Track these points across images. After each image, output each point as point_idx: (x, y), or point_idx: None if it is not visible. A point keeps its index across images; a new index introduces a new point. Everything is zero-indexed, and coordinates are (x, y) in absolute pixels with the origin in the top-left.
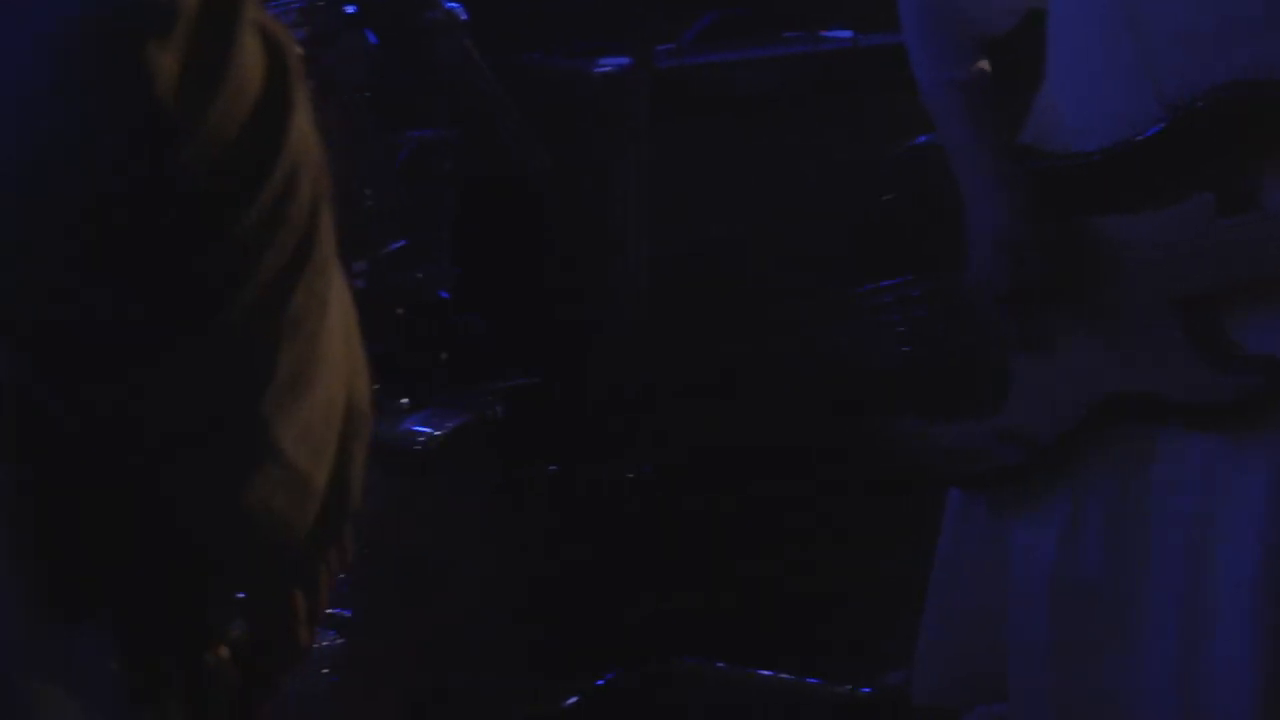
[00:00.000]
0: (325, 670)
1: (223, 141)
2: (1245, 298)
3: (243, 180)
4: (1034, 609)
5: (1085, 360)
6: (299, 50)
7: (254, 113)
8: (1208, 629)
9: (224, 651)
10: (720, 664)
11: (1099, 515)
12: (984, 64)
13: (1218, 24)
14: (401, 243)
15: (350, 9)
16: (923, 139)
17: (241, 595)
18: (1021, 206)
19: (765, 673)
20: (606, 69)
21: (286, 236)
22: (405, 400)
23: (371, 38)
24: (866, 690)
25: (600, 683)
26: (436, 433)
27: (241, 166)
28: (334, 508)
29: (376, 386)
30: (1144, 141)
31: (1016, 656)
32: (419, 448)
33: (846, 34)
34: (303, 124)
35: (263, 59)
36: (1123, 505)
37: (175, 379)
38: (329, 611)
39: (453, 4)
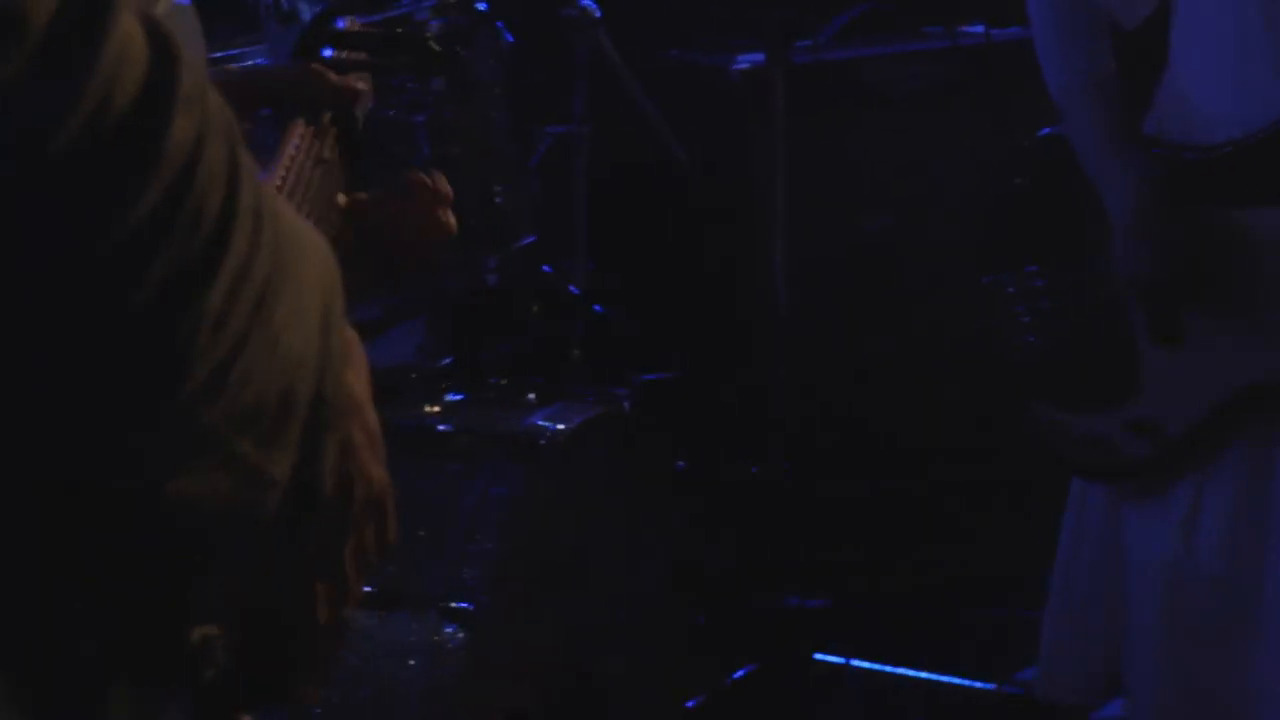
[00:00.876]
0: (448, 667)
1: (98, 138)
2: None
3: (122, 176)
4: (1148, 598)
5: (1218, 353)
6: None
7: (133, 108)
8: None
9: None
10: (854, 661)
11: (1220, 509)
12: (1108, 55)
13: None
14: (532, 238)
15: (483, 5)
16: (1047, 130)
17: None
18: (1155, 198)
19: (898, 670)
20: (744, 65)
21: (184, 234)
22: (532, 395)
23: (507, 35)
24: (993, 687)
25: (736, 677)
26: (563, 427)
27: (121, 161)
28: (306, 494)
29: (502, 381)
30: (1276, 134)
31: (1131, 651)
32: (544, 442)
33: (979, 29)
34: (187, 126)
35: (145, 52)
36: (1246, 500)
37: (81, 370)
38: (453, 606)
39: (588, 1)
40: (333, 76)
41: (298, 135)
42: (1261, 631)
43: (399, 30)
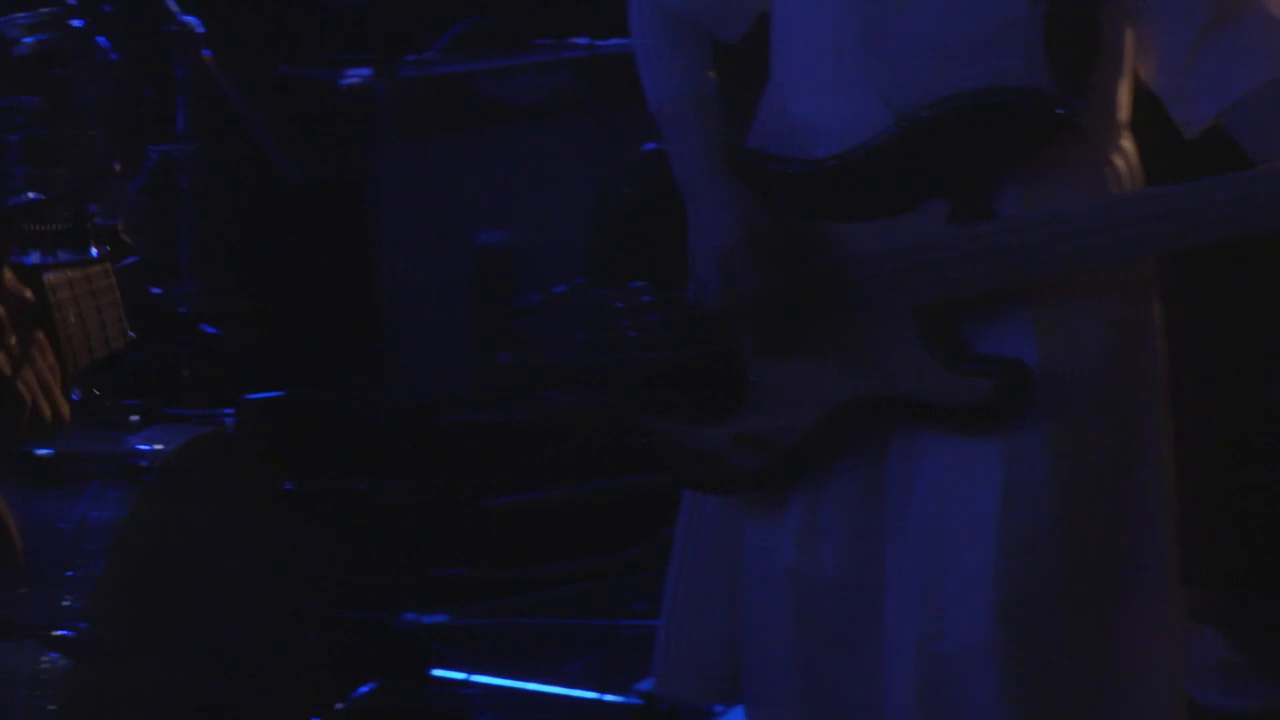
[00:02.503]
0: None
1: None
2: (980, 304)
3: None
4: (773, 610)
5: (822, 366)
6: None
7: None
8: (946, 626)
9: None
10: (474, 676)
11: (835, 518)
12: (712, 73)
13: (953, 39)
14: (133, 259)
15: (78, 23)
16: (652, 145)
17: None
18: (741, 221)
19: (518, 684)
20: (352, 80)
21: None
22: (135, 417)
23: (113, 53)
24: (615, 699)
25: (355, 695)
26: (165, 448)
27: None
28: None
29: (110, 403)
30: (875, 149)
31: (754, 656)
32: (147, 464)
33: (584, 41)
34: None
35: None
36: (858, 508)
37: None
38: (54, 634)
39: (190, 17)
40: None
41: None
42: (884, 637)
43: None
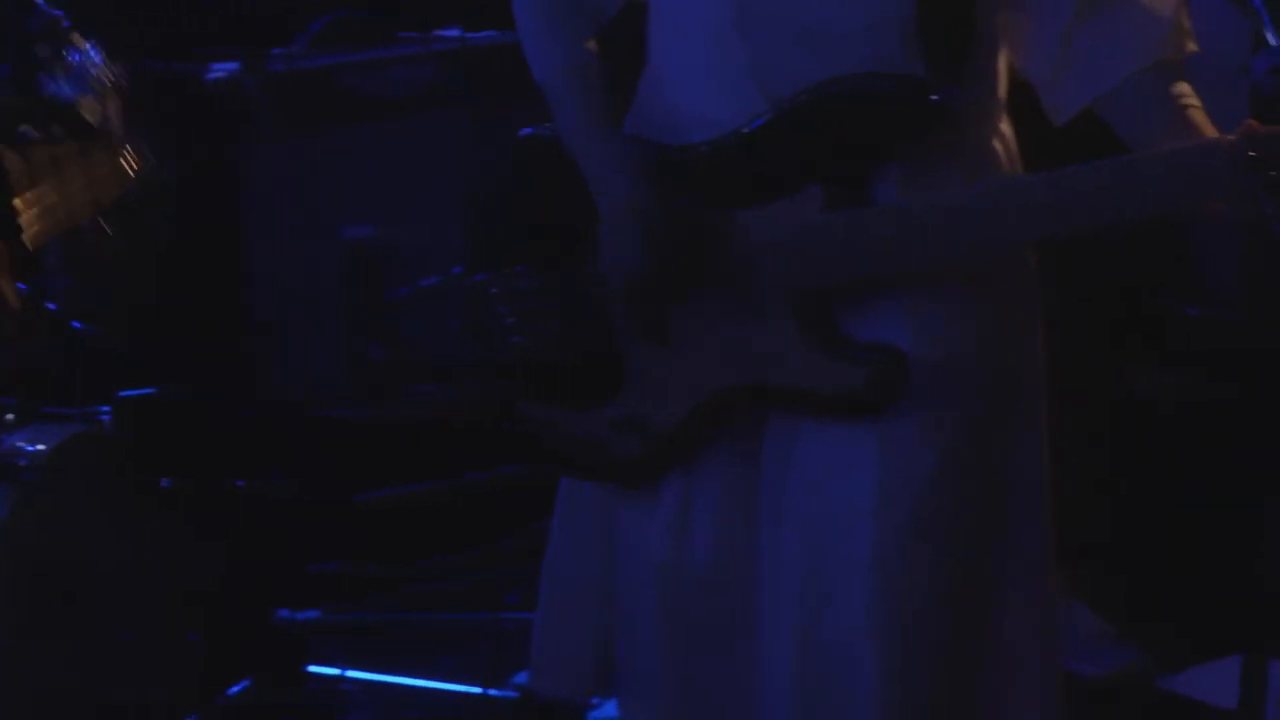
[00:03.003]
0: None
1: None
2: (857, 291)
3: None
4: (643, 602)
5: (699, 352)
6: None
7: None
8: (823, 614)
9: None
10: (349, 671)
11: (709, 508)
12: (594, 47)
13: (827, 25)
14: None
15: None
16: (528, 131)
17: None
18: (642, 191)
19: (392, 679)
20: (219, 74)
21: None
22: (10, 416)
23: None
24: (492, 692)
25: (230, 693)
26: (42, 447)
27: None
28: None
29: None
30: (750, 135)
31: (627, 646)
32: (25, 463)
33: (455, 32)
34: None
35: None
36: (733, 497)
37: None
38: None
39: (56, 10)
40: None
41: None
42: (760, 627)
43: None
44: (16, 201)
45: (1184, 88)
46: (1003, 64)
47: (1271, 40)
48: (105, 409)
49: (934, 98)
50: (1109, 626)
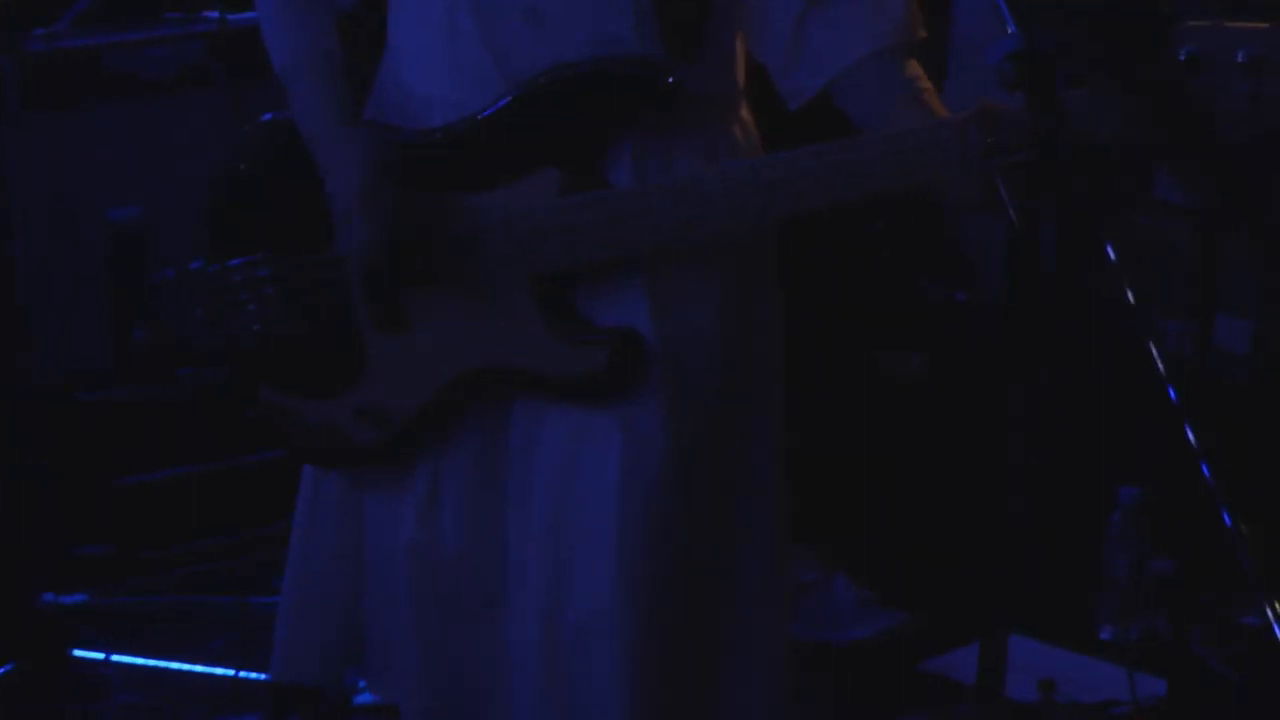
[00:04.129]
0: None
1: None
2: (596, 274)
3: None
4: (393, 584)
5: (440, 337)
6: None
7: None
8: (568, 596)
9: None
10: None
11: (457, 490)
12: (333, 32)
13: (561, 6)
14: None
15: None
16: (270, 115)
17: None
18: (377, 177)
19: (158, 663)
20: None
21: None
22: None
23: None
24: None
25: None
26: None
27: None
28: None
29: None
30: (486, 119)
31: (377, 630)
32: None
33: (214, 15)
34: None
35: None
36: (480, 479)
37: None
38: None
39: None
40: None
41: None
42: (507, 609)
43: None
44: None
45: (915, 70)
46: (740, 48)
47: (1010, 27)
48: None
49: (669, 79)
50: (870, 594)
